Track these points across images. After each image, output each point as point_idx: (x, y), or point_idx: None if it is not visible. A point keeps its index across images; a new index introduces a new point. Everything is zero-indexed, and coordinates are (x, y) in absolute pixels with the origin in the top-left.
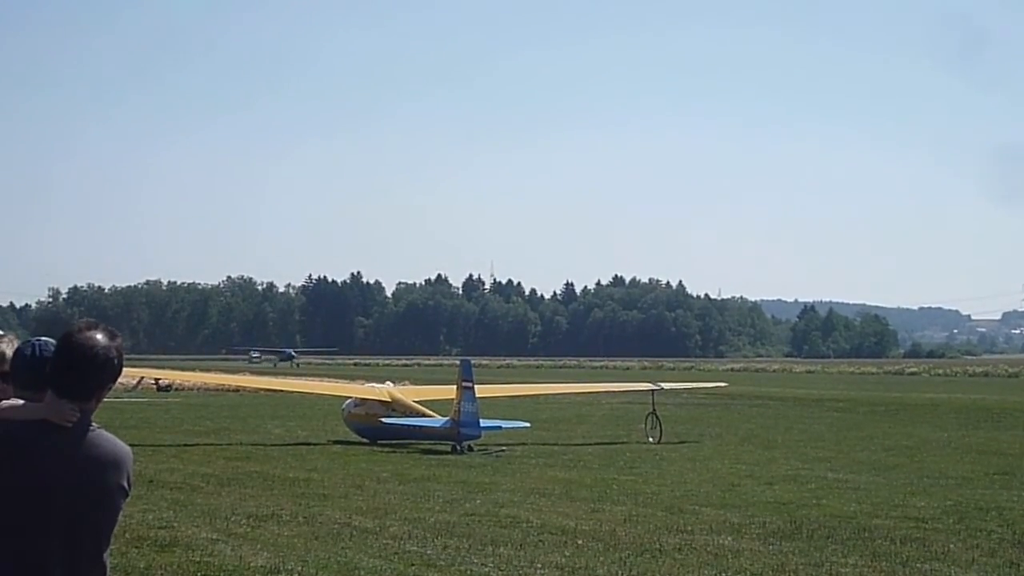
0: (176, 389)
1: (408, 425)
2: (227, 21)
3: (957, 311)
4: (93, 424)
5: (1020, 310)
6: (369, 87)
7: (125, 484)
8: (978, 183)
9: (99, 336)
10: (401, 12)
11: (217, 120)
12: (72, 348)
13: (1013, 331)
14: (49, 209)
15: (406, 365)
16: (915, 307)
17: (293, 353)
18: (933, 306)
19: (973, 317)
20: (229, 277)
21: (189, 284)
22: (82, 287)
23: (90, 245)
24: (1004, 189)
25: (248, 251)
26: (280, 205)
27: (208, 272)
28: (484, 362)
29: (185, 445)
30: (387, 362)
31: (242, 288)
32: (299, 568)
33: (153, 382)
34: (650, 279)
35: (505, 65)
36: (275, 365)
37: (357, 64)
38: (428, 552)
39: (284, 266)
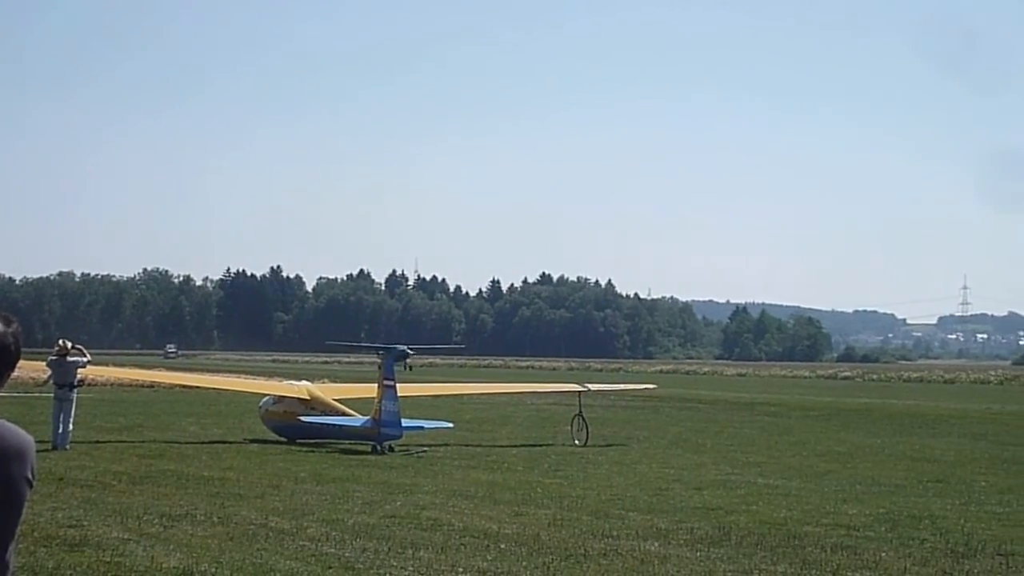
0: (89, 384)
1: (327, 424)
2: (151, 13)
3: (893, 315)
4: None
5: (956, 315)
6: (292, 80)
7: (29, 475)
8: (916, 186)
9: None
10: (328, 4)
11: (134, 111)
12: None
13: (949, 336)
14: None
15: (326, 363)
16: (850, 310)
17: (408, 351)
18: (868, 309)
19: (909, 321)
20: (145, 269)
21: (103, 276)
22: None
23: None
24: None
25: (164, 243)
26: (198, 196)
27: (123, 264)
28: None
29: (97, 442)
30: (306, 359)
31: (158, 281)
32: (212, 570)
33: None
34: (578, 277)
35: (432, 61)
36: (379, 367)
37: (281, 57)
38: (346, 555)
39: (201, 259)
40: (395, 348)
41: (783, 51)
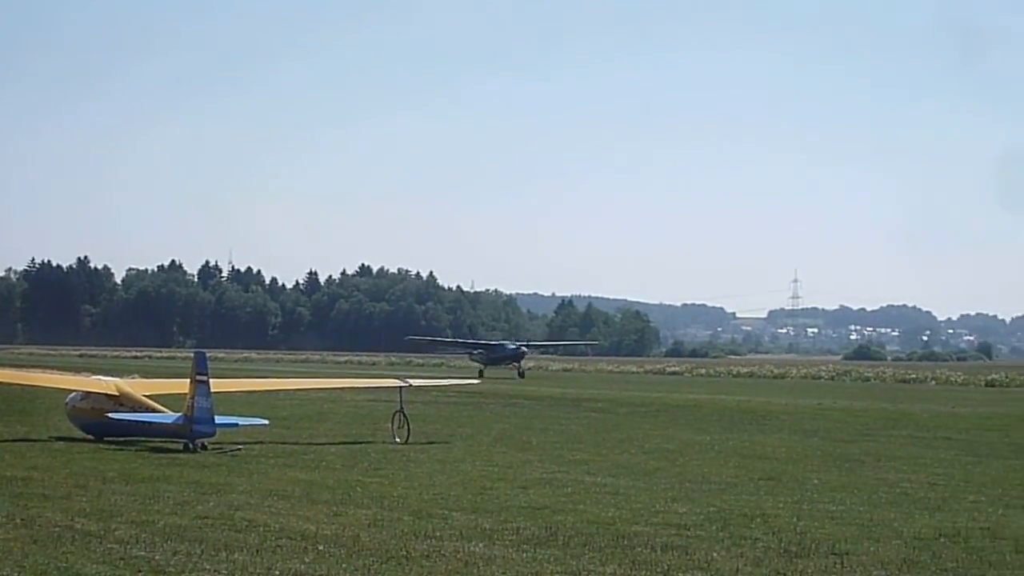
0: None
1: (137, 421)
2: None
3: (722, 308)
4: None
5: (787, 309)
6: (103, 59)
7: None
8: (748, 179)
9: None
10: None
11: None
12: None
13: (779, 330)
14: None
15: (136, 357)
16: (678, 303)
17: (524, 348)
18: (697, 303)
19: (738, 315)
20: None
21: None
22: None
23: None
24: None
25: None
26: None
27: None
28: (220, 355)
29: None
30: (116, 353)
31: None
32: (15, 575)
33: None
34: (399, 269)
35: (258, 49)
36: (480, 373)
37: (91, 35)
38: (157, 558)
39: (3, 249)
40: (503, 346)
41: (607, 43)
